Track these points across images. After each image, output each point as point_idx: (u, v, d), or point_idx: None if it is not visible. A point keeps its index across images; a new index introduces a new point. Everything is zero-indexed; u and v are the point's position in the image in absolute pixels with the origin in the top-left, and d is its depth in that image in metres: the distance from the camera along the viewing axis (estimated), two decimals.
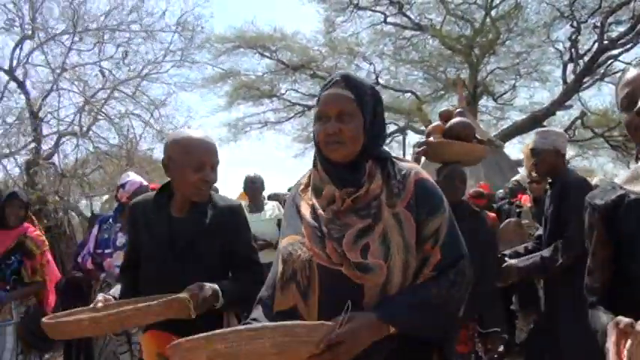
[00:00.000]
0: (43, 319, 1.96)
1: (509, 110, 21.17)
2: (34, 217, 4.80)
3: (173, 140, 2.22)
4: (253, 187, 5.82)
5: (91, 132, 10.72)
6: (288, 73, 20.66)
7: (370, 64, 20.54)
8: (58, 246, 8.65)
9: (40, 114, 9.87)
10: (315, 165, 1.72)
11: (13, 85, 10.10)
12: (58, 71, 9.92)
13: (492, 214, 5.80)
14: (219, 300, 1.99)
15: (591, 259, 1.65)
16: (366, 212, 1.60)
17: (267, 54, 20.50)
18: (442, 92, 20.55)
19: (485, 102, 20.93)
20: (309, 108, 21.65)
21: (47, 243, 4.20)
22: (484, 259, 3.67)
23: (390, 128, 21.92)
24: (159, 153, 10.88)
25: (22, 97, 10.06)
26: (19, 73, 10.04)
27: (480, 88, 19.45)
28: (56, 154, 10.43)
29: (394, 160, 1.73)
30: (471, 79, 18.67)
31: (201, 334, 1.39)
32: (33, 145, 9.87)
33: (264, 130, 21.81)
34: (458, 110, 4.09)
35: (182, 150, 2.14)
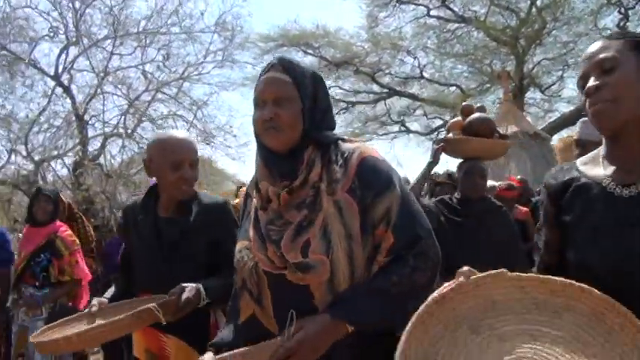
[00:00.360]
0: (31, 337, 2.05)
1: (557, 102, 20.57)
2: (84, 216, 4.96)
3: (152, 141, 2.27)
4: None
5: (135, 133, 11.07)
6: (332, 70, 20.62)
7: (414, 58, 20.36)
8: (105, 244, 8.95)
9: (86, 117, 10.23)
10: (256, 158, 1.65)
11: (59, 90, 10.52)
12: (102, 75, 10.25)
13: (524, 209, 5.68)
14: (203, 299, 1.99)
15: (538, 236, 1.55)
16: (306, 204, 1.51)
17: (310, 51, 20.57)
18: (488, 85, 20.13)
19: (532, 94, 20.34)
20: (353, 104, 21.70)
21: (78, 243, 4.31)
22: (508, 256, 3.62)
23: (435, 123, 21.70)
24: (202, 152, 11.17)
25: (68, 101, 10.45)
26: (64, 78, 10.45)
27: (527, 80, 18.90)
28: (102, 156, 10.82)
29: (339, 142, 1.61)
30: (517, 71, 18.18)
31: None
32: (79, 147, 10.22)
33: None
34: (478, 105, 4.03)
35: (160, 150, 2.16)
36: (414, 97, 20.82)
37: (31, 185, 8.55)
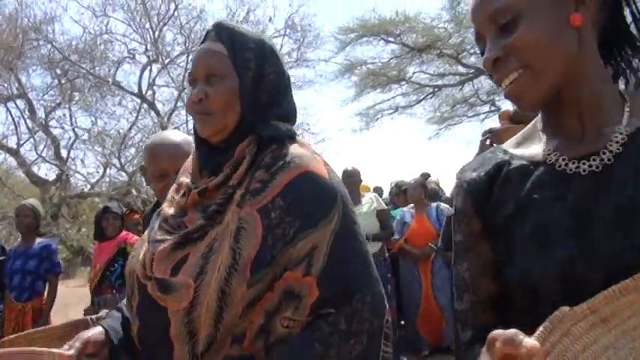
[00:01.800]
0: None
1: None
2: None
3: (144, 147, 2.04)
4: (350, 180, 5.89)
5: None
6: (414, 56, 20.37)
7: None
8: None
9: (170, 128, 10.85)
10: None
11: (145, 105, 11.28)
12: (180, 88, 10.83)
13: None
14: None
15: (460, 267, 1.02)
16: (208, 213, 1.18)
17: (391, 39, 20.40)
18: None
19: None
20: (440, 88, 21.28)
21: None
22: None
23: None
24: None
25: (154, 114, 11.16)
26: (148, 94, 11.18)
27: None
28: None
29: (287, 143, 1.24)
30: None
31: None
32: None
33: (395, 115, 21.78)
34: None
35: (148, 157, 1.91)
36: None
37: (125, 196, 9.19)
